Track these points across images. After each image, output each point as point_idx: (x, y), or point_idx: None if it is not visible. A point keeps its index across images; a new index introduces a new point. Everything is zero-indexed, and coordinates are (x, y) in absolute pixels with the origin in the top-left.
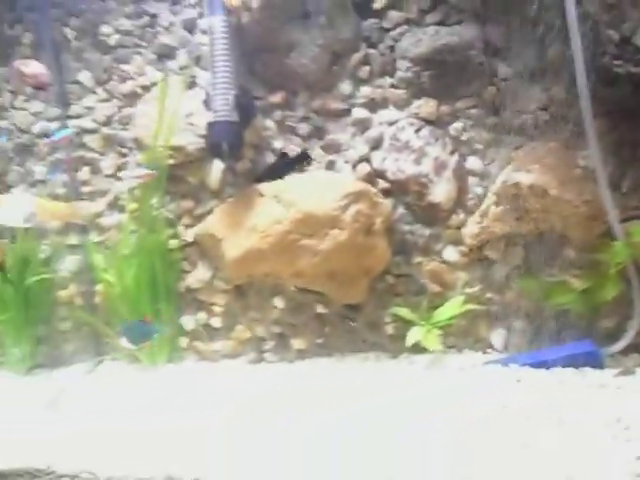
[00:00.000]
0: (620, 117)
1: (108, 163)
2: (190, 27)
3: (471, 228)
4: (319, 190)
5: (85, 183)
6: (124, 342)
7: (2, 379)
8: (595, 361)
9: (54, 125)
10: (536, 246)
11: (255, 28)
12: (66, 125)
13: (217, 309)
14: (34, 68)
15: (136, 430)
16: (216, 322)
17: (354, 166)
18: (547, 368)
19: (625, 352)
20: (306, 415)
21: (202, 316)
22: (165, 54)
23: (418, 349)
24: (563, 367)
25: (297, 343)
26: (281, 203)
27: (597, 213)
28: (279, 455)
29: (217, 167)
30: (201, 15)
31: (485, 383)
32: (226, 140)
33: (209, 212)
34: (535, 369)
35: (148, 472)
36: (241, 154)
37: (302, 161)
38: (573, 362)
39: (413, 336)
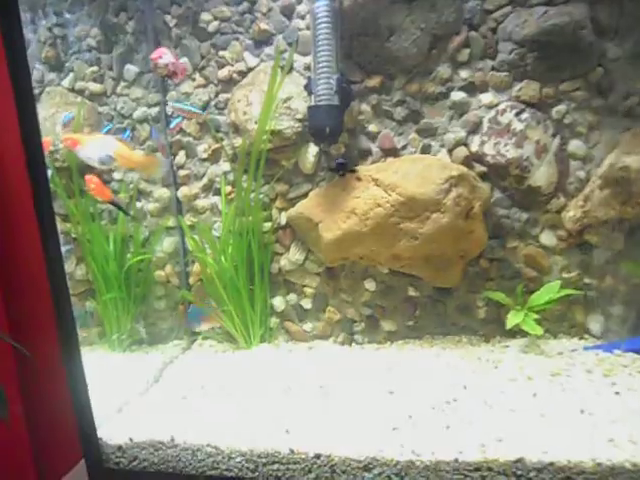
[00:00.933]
0: None
1: (203, 147)
2: (289, 13)
3: (573, 212)
4: (421, 173)
5: (181, 167)
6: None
7: (104, 356)
8: None
9: (154, 110)
10: (635, 232)
11: (358, 12)
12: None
13: (308, 290)
14: (168, 57)
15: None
16: (307, 303)
17: (450, 150)
18: None
19: None
20: None
21: (292, 297)
22: (263, 40)
23: (510, 333)
24: None
25: (387, 325)
26: (381, 187)
27: None
28: None
29: (312, 151)
30: (300, 1)
31: (585, 366)
32: (328, 124)
33: (302, 196)
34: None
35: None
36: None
37: (340, 171)
38: None
39: (512, 320)
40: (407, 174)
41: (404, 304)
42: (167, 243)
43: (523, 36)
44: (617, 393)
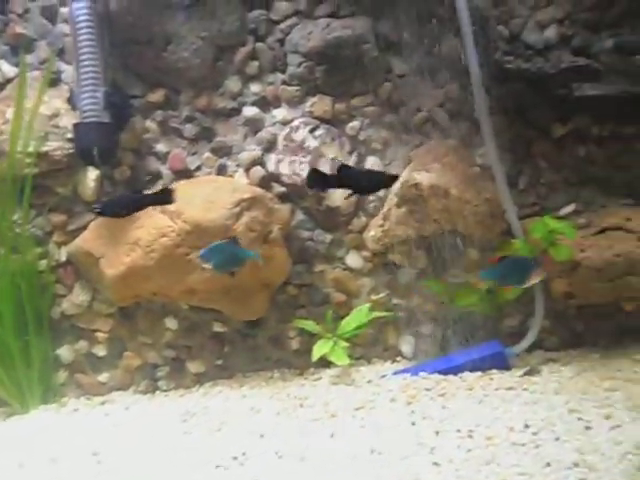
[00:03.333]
0: (515, 114)
1: None
2: (51, 15)
3: (374, 232)
4: (209, 197)
5: None
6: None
7: None
8: (502, 362)
9: None
10: (440, 247)
11: (125, 16)
12: None
13: (101, 335)
14: None
15: None
16: (100, 350)
17: (247, 170)
18: (455, 373)
19: (529, 350)
20: None
21: (83, 345)
22: (22, 46)
23: (325, 363)
24: (471, 371)
25: (194, 367)
26: (166, 214)
27: (497, 211)
28: None
29: (92, 175)
30: (63, 2)
31: (391, 394)
32: (96, 144)
33: (85, 227)
34: (444, 375)
35: None
36: (117, 159)
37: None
38: (481, 365)
39: (319, 350)
40: (194, 199)
41: (211, 341)
42: None
43: (309, 48)
44: (413, 424)
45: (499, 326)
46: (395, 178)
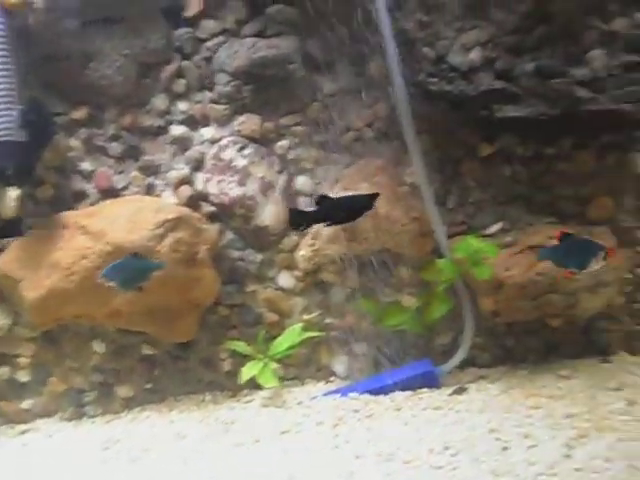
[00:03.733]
0: (443, 134)
1: None
2: None
3: (304, 251)
4: (132, 218)
5: None
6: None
7: None
8: (432, 381)
9: None
10: (371, 266)
11: (43, 32)
12: None
13: (24, 361)
14: None
15: None
16: (23, 376)
17: (175, 189)
18: (386, 393)
19: (462, 367)
20: None
21: (4, 371)
22: None
23: (258, 384)
24: (402, 390)
25: (123, 391)
26: (89, 235)
27: (426, 230)
28: None
29: (12, 195)
30: None
31: (318, 417)
32: (11, 163)
33: (3, 248)
34: (374, 396)
35: None
36: (40, 178)
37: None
38: (412, 384)
39: (247, 372)
40: (117, 219)
41: (140, 364)
42: None
43: (235, 68)
44: (336, 447)
45: (432, 344)
46: (376, 196)
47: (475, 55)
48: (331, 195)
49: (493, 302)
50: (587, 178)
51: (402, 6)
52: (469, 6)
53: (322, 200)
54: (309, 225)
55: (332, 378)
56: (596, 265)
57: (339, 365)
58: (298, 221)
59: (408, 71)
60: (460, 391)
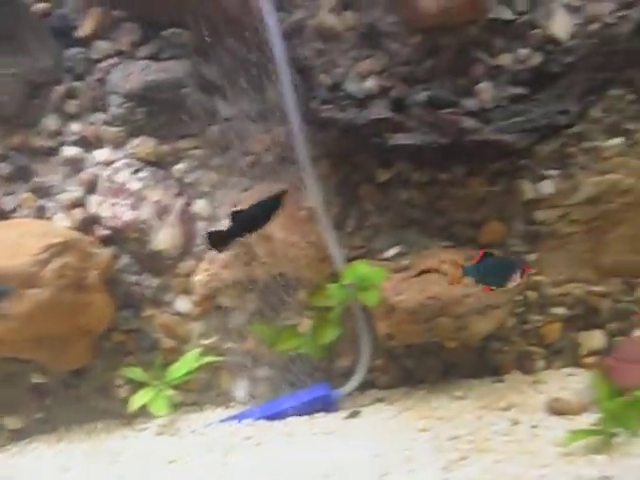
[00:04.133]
0: (342, 159)
1: None
2: None
3: (201, 275)
4: (17, 242)
5: None
6: None
7: None
8: (330, 405)
9: None
10: (270, 290)
11: None
12: None
13: None
14: None
15: None
16: None
17: (68, 211)
18: (282, 418)
19: (362, 389)
20: None
21: None
22: None
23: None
24: (300, 415)
25: (11, 422)
26: None
27: (324, 254)
28: None
29: None
30: None
31: (210, 445)
32: None
33: None
34: (270, 421)
35: None
36: None
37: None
38: (309, 408)
39: (138, 401)
40: (0, 243)
41: (30, 394)
42: None
43: (128, 90)
44: (221, 477)
45: (334, 367)
46: (283, 194)
47: (371, 83)
48: (240, 208)
49: (387, 326)
50: (479, 204)
51: (299, 34)
52: (365, 36)
53: (235, 215)
54: (230, 242)
55: (232, 403)
56: (514, 281)
57: (239, 390)
58: (218, 242)
59: (303, 97)
60: (355, 414)
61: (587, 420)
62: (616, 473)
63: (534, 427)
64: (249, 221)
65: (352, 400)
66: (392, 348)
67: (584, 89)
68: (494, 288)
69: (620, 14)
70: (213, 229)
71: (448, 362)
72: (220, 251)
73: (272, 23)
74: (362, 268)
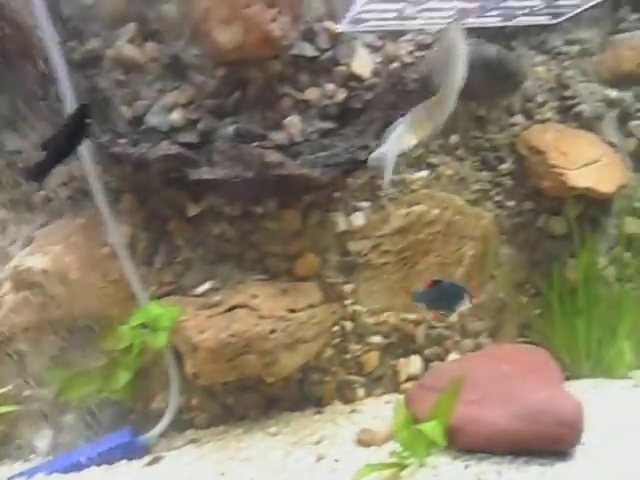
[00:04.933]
0: (147, 193)
1: None
2: None
3: None
4: None
5: None
6: None
7: None
8: (136, 451)
9: None
10: (72, 332)
11: None
12: None
13: None
14: None
15: None
16: None
17: None
18: (79, 470)
19: (181, 430)
20: None
21: None
22: None
23: None
24: (100, 464)
25: None
26: None
27: (128, 293)
28: None
29: None
30: None
31: None
32: None
33: None
34: (65, 474)
35: None
36: None
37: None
38: (112, 456)
39: None
40: None
41: None
42: None
43: None
44: None
45: (149, 410)
46: (85, 107)
47: (176, 116)
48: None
49: (191, 365)
50: (294, 236)
51: (95, 64)
52: (169, 67)
53: (46, 145)
54: (49, 170)
55: (32, 455)
56: (463, 306)
57: (41, 440)
58: (36, 174)
59: (98, 130)
60: (157, 460)
61: (390, 450)
62: None
63: (336, 461)
64: (62, 146)
65: (167, 443)
66: (210, 386)
67: (382, 125)
68: (443, 313)
69: (417, 54)
70: (26, 166)
71: (269, 396)
72: (41, 182)
73: (55, 53)
74: (154, 309)
